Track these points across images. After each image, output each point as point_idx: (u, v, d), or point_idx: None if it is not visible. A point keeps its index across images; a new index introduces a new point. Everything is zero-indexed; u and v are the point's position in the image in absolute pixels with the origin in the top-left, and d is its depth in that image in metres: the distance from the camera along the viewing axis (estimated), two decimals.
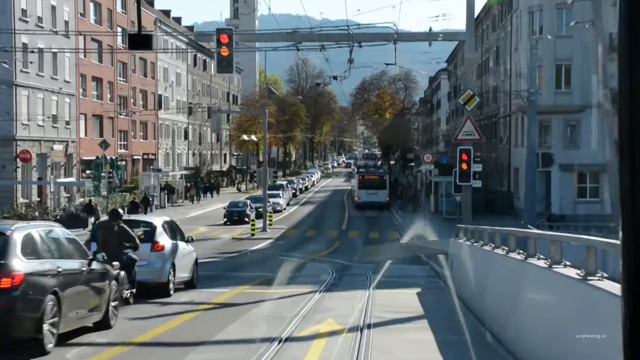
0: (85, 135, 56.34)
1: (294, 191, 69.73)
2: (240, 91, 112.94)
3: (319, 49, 25.30)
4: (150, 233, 16.49)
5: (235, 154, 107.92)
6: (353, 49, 22.18)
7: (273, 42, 29.19)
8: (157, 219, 17.97)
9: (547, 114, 42.48)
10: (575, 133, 44.65)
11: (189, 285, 18.57)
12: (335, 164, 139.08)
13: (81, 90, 55.60)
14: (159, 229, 16.65)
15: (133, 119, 67.24)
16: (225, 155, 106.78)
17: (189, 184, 65.23)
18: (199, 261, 19.15)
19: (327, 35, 23.29)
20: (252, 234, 38.83)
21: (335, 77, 30.45)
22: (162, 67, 76.95)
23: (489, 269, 12.36)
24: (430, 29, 22.54)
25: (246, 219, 43.59)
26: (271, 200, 53.87)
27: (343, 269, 25.03)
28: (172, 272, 16.60)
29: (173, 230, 17.76)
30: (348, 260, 28.01)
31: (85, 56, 55.91)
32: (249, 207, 47.21)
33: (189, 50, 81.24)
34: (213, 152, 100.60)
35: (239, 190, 75.97)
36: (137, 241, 14.50)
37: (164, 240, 16.57)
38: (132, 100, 66.54)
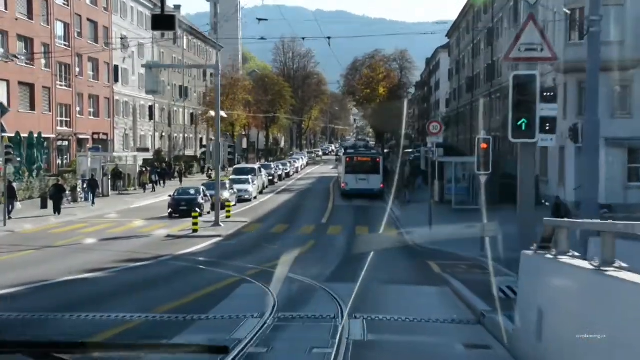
0: (9, 106, 45.49)
1: (271, 177, 59.20)
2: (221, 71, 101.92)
3: None
4: None
5: (213, 138, 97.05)
6: None
7: None
8: None
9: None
10: (626, 97, 34.27)
11: None
12: (321, 153, 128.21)
13: (1, 50, 44.85)
14: None
15: (79, 91, 56.47)
16: (201, 139, 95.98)
17: (144, 169, 54.49)
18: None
19: None
20: (195, 230, 28.26)
21: None
22: (120, 33, 66.05)
23: None
24: None
25: (198, 210, 32.89)
26: (237, 187, 43.63)
27: (298, 300, 13.84)
28: None
29: None
30: (315, 277, 17.04)
31: (6, 8, 45.16)
32: (202, 195, 36.72)
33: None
34: (186, 135, 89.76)
35: (209, 177, 65.13)
36: None
37: None
38: (76, 68, 55.71)
